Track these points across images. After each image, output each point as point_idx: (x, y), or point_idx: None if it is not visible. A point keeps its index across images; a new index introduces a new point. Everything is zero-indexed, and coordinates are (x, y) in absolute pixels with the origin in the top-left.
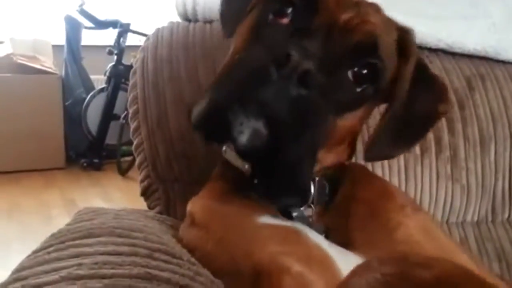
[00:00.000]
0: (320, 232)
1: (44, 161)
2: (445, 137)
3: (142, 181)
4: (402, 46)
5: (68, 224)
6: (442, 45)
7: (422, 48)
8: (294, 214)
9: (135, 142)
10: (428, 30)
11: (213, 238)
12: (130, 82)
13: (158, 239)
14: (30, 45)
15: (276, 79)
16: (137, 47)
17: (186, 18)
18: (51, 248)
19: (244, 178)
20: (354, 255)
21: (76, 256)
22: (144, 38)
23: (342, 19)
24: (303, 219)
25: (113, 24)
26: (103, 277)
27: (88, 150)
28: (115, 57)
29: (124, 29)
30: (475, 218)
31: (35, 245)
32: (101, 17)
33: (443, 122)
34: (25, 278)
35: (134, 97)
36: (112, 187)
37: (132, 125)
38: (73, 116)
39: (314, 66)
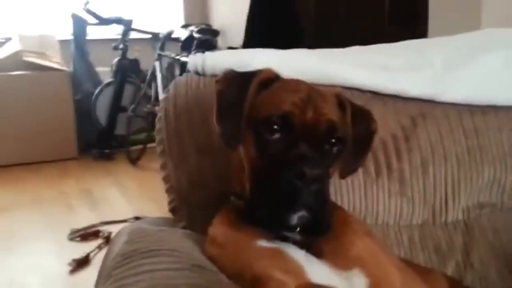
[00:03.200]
0: (302, 248)
1: (58, 152)
2: (394, 163)
3: (170, 203)
4: (340, 103)
5: (126, 243)
6: (391, 92)
7: (376, 93)
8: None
9: (164, 174)
10: (381, 81)
11: (227, 255)
12: (157, 127)
13: (193, 256)
14: (38, 41)
15: (303, 186)
16: (139, 40)
17: (197, 73)
18: (130, 265)
19: (247, 213)
20: (321, 263)
21: (150, 271)
22: (144, 35)
23: (309, 119)
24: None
25: (116, 21)
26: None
27: (98, 141)
28: (121, 52)
29: (127, 27)
30: (420, 222)
31: (59, 234)
32: (105, 14)
33: (392, 152)
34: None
35: (161, 139)
36: (124, 176)
37: (161, 161)
38: (82, 110)
39: (317, 166)
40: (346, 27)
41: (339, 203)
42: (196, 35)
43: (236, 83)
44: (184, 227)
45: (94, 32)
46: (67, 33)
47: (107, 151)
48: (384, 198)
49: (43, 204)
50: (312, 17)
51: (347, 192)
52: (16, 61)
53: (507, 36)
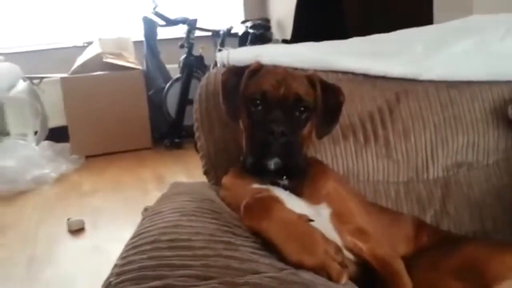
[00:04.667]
0: (286, 189)
1: (135, 143)
2: (380, 131)
3: (203, 167)
4: (311, 82)
5: (168, 190)
6: (378, 73)
7: (367, 76)
8: (280, 182)
9: (198, 144)
10: (369, 65)
11: (231, 195)
12: (194, 107)
13: (209, 195)
14: (115, 43)
15: (274, 139)
16: (203, 38)
17: (223, 65)
18: (165, 200)
19: (251, 168)
20: (299, 200)
21: (176, 201)
22: (207, 33)
23: (281, 93)
24: (283, 185)
25: (182, 21)
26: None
27: (169, 131)
28: (186, 49)
29: (192, 26)
30: (405, 179)
31: (135, 212)
32: (172, 16)
33: (378, 123)
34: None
35: (196, 118)
36: (192, 163)
37: (196, 134)
38: (155, 104)
39: (283, 125)
40: (388, 26)
41: (335, 166)
42: (250, 30)
43: (234, 74)
44: (213, 184)
45: (163, 33)
46: (140, 35)
47: (177, 140)
48: (373, 160)
49: (123, 188)
50: (357, 16)
51: (341, 156)
52: (97, 62)
53: (480, 23)
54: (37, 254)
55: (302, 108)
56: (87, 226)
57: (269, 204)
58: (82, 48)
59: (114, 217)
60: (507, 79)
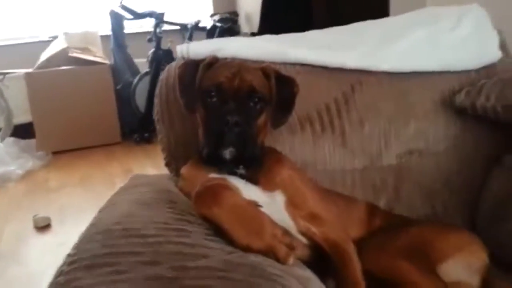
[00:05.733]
0: (243, 178)
1: (103, 138)
2: (336, 121)
3: (164, 159)
4: (265, 74)
5: (127, 181)
6: (334, 65)
7: (325, 68)
8: (237, 171)
9: (159, 137)
10: (326, 58)
11: (189, 185)
12: (155, 101)
13: (167, 186)
14: (81, 37)
15: (228, 130)
16: (171, 31)
17: (183, 57)
18: (124, 191)
19: (208, 159)
20: (255, 188)
21: (133, 193)
22: (175, 27)
23: (235, 85)
24: (240, 174)
25: (150, 15)
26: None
27: (138, 126)
28: (155, 43)
29: (159, 20)
30: (360, 167)
31: None
32: (140, 9)
33: (334, 113)
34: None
35: (157, 111)
36: (162, 157)
37: (157, 127)
38: (123, 98)
39: (237, 115)
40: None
41: (293, 155)
42: (218, 24)
43: (190, 67)
44: (174, 176)
45: (131, 26)
46: (107, 29)
47: (146, 135)
48: (330, 149)
49: (90, 183)
50: (324, 8)
51: (299, 146)
52: (63, 57)
53: (432, 15)
54: (2, 251)
55: (256, 99)
56: (53, 223)
57: (218, 191)
58: (47, 42)
59: (81, 213)
60: (455, 69)
